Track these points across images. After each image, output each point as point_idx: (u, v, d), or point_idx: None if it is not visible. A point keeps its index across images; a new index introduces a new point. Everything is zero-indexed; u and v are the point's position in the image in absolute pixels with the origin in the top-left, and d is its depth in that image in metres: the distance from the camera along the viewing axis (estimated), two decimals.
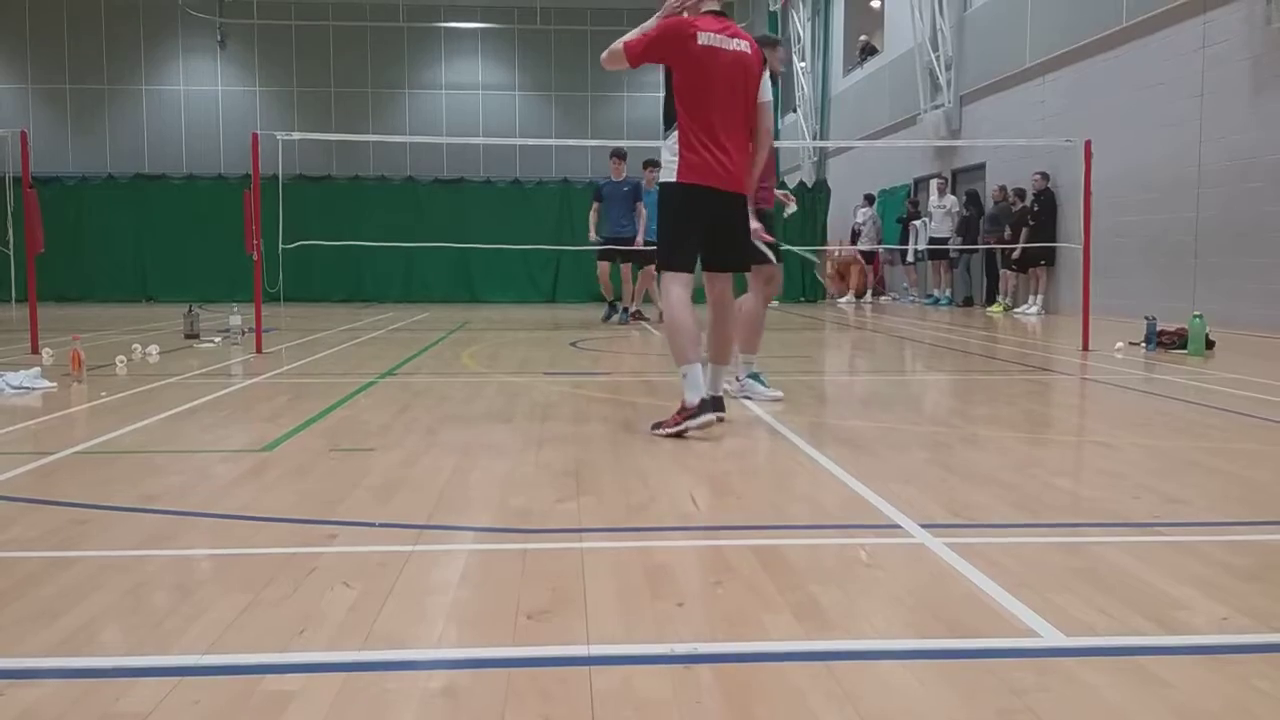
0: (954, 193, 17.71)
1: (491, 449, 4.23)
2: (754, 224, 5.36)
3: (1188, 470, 3.83)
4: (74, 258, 18.28)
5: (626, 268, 12.81)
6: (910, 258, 18.42)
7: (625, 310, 12.84)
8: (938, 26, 17.92)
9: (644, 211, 12.24)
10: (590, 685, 1.84)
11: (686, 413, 4.43)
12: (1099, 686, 1.85)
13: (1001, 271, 15.55)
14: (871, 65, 22.50)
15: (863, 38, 23.62)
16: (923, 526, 2.93)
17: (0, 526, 2.98)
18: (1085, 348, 8.58)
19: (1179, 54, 11.89)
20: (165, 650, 2.02)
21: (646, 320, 12.59)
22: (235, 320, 9.68)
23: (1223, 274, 11.15)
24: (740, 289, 5.09)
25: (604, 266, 12.79)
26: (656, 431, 4.48)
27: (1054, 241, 13.77)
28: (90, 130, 28.88)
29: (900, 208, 19.42)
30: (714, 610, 2.27)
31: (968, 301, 17.33)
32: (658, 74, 4.71)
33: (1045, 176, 14.22)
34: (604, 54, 4.60)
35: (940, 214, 17.25)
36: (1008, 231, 15.11)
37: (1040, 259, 14.41)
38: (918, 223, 18.04)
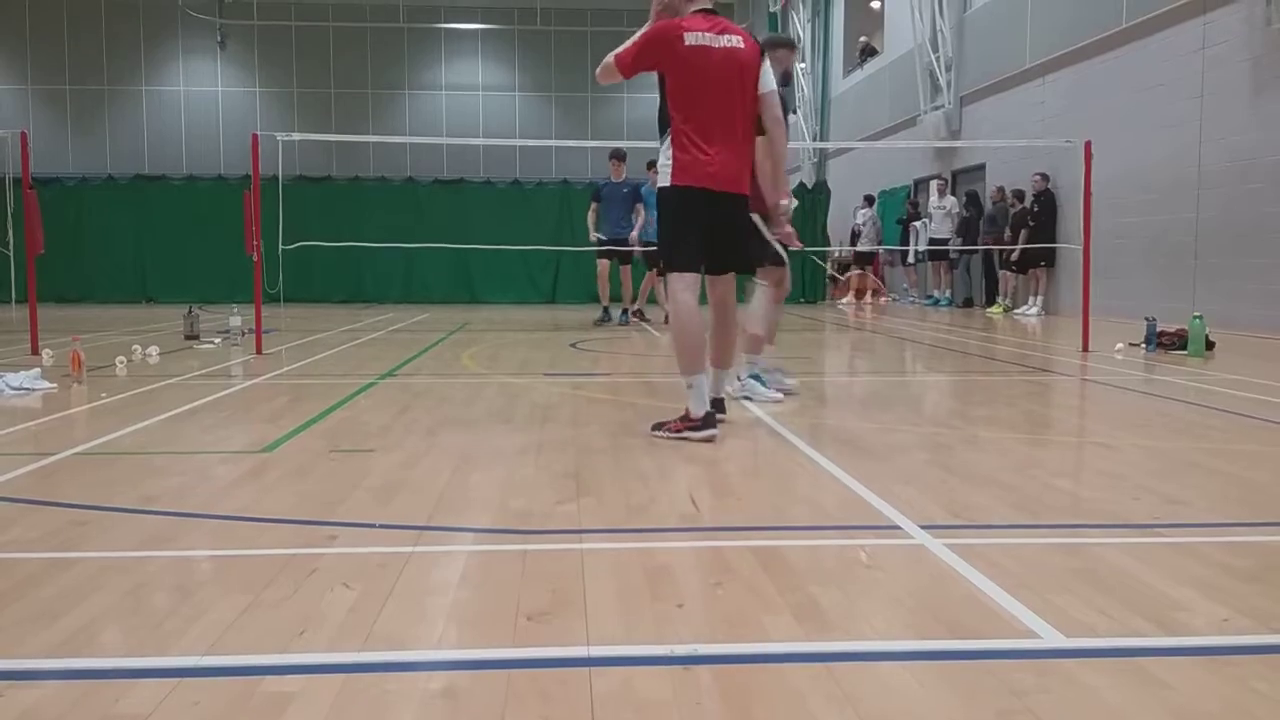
0: (954, 194, 17.71)
1: (491, 450, 4.23)
2: (764, 225, 5.38)
3: (1188, 471, 3.83)
4: (74, 259, 18.28)
5: (626, 269, 12.78)
6: (910, 259, 18.42)
7: (625, 311, 12.82)
8: (938, 27, 17.92)
9: (642, 212, 12.23)
10: (590, 686, 1.84)
11: (690, 423, 4.41)
12: (1099, 688, 1.85)
13: (1001, 272, 15.55)
14: (871, 66, 22.50)
15: (863, 39, 23.63)
16: (923, 527, 2.93)
17: (0, 527, 2.98)
18: (1085, 349, 8.58)
19: (1179, 55, 11.90)
20: (165, 651, 2.02)
21: (648, 321, 12.58)
22: (235, 321, 9.68)
23: (1223, 275, 11.15)
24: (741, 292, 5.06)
25: (604, 265, 12.75)
26: (656, 433, 4.47)
27: (1054, 242, 13.77)
28: (90, 131, 28.89)
29: (900, 209, 19.42)
30: (714, 611, 2.27)
31: (968, 302, 17.33)
32: (656, 74, 4.67)
33: (1045, 177, 14.22)
34: (598, 70, 4.58)
35: (940, 215, 17.25)
36: (1007, 233, 15.12)
37: (1040, 260, 14.41)
38: (918, 224, 18.04)
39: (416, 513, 3.15)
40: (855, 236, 19.95)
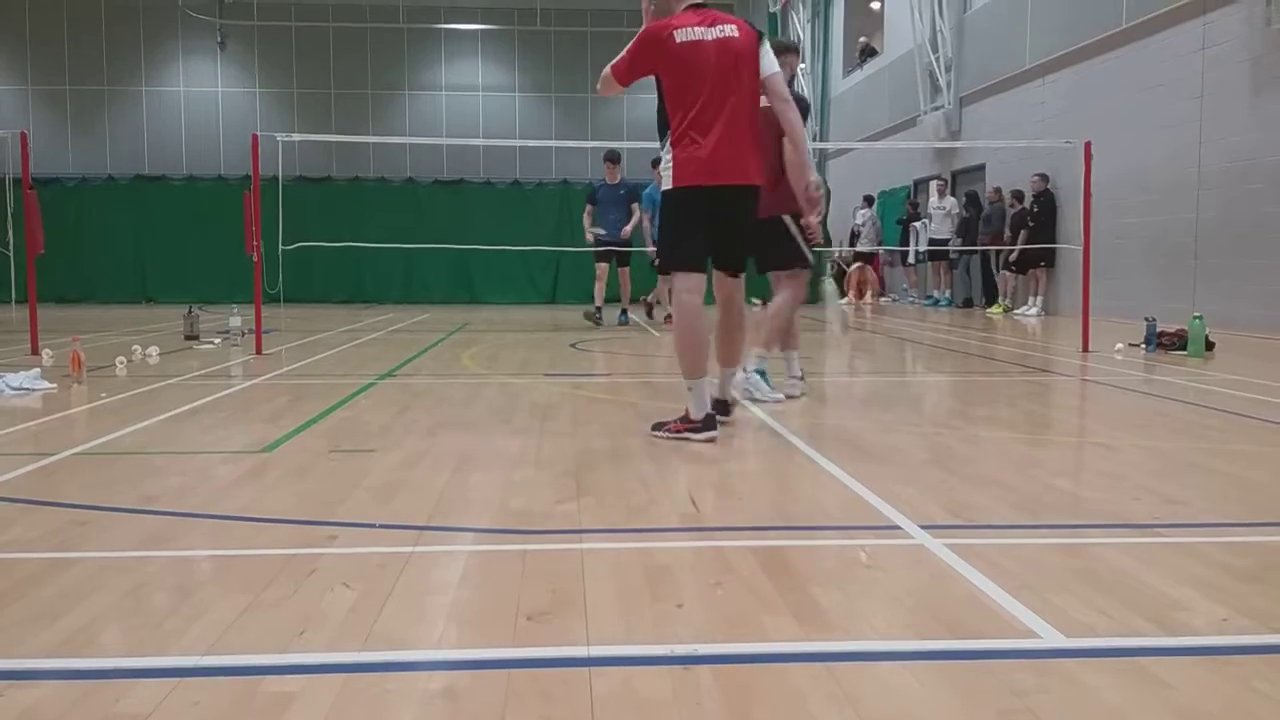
0: (954, 194, 17.72)
1: (491, 450, 4.23)
2: (794, 226, 5.38)
3: (1187, 471, 3.83)
4: (74, 259, 18.28)
5: (624, 271, 12.71)
6: (910, 259, 18.42)
7: (624, 312, 12.80)
8: (937, 28, 17.92)
9: (637, 212, 12.21)
10: (590, 686, 1.84)
11: (690, 424, 4.40)
12: (1099, 688, 1.85)
13: (1001, 273, 15.56)
14: (871, 67, 22.51)
15: (862, 39, 23.63)
16: (923, 527, 2.93)
17: (0, 527, 2.98)
18: (1085, 349, 8.58)
19: (1179, 55, 11.90)
20: (165, 651, 2.02)
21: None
22: (235, 321, 9.68)
23: (1223, 275, 11.15)
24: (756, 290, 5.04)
25: (602, 268, 12.68)
26: (656, 434, 4.47)
27: (1054, 243, 13.77)
28: (90, 131, 28.87)
29: (900, 209, 19.43)
30: (714, 611, 2.27)
31: (968, 303, 17.33)
32: (653, 76, 4.65)
33: (1045, 178, 14.22)
34: (598, 83, 4.56)
35: (940, 215, 17.25)
36: (1006, 234, 15.13)
37: (1040, 260, 14.42)
38: (917, 224, 18.05)
39: (416, 513, 3.15)
40: (855, 237, 19.95)
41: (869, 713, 1.74)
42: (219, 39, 29.24)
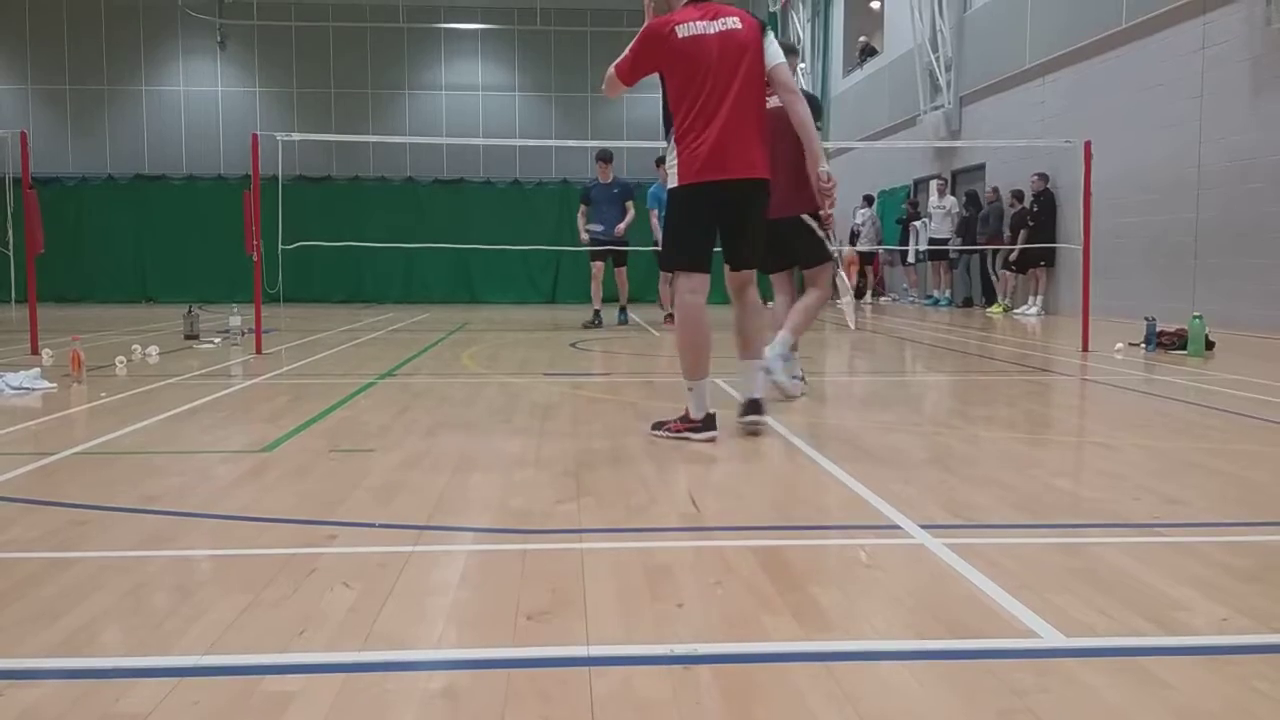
0: (954, 193, 17.72)
1: (491, 450, 4.23)
2: (815, 224, 5.38)
3: (1188, 471, 3.83)
4: (74, 258, 18.30)
5: (621, 271, 12.61)
6: (910, 259, 18.42)
7: (623, 310, 12.76)
8: (937, 27, 17.92)
9: (631, 210, 12.17)
10: (590, 686, 1.84)
11: (690, 425, 4.39)
12: (1099, 687, 1.85)
13: (1001, 272, 15.56)
14: (871, 66, 22.50)
15: (862, 39, 23.62)
16: (923, 527, 2.93)
17: (0, 527, 2.98)
18: (1085, 348, 8.58)
19: (1179, 55, 11.90)
20: (165, 651, 2.02)
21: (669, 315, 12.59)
22: (235, 321, 9.68)
23: (1222, 275, 11.15)
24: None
25: (598, 268, 12.56)
26: (656, 433, 4.47)
27: (1054, 242, 13.77)
28: (90, 131, 28.85)
29: (900, 209, 19.43)
30: (714, 611, 2.26)
31: (967, 302, 17.34)
32: (656, 75, 4.62)
33: (1044, 178, 14.22)
34: (603, 85, 4.52)
35: (940, 215, 17.25)
36: (1006, 234, 15.13)
37: (1040, 260, 14.42)
38: (917, 223, 18.05)
39: (416, 512, 3.15)
40: (854, 236, 19.95)
41: (869, 712, 1.74)
42: (219, 39, 29.23)
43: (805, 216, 5.57)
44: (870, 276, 20.21)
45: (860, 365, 8.50)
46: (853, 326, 5.78)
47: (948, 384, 7.01)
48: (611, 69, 4.46)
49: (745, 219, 4.42)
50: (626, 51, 4.43)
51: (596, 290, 12.60)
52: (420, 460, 3.98)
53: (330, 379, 6.89)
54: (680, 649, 2.01)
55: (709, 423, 4.38)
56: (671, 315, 12.04)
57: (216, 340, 9.55)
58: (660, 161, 12.20)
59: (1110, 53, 13.28)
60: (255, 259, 8.39)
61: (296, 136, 9.81)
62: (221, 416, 5.21)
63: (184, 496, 3.43)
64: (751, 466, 4.01)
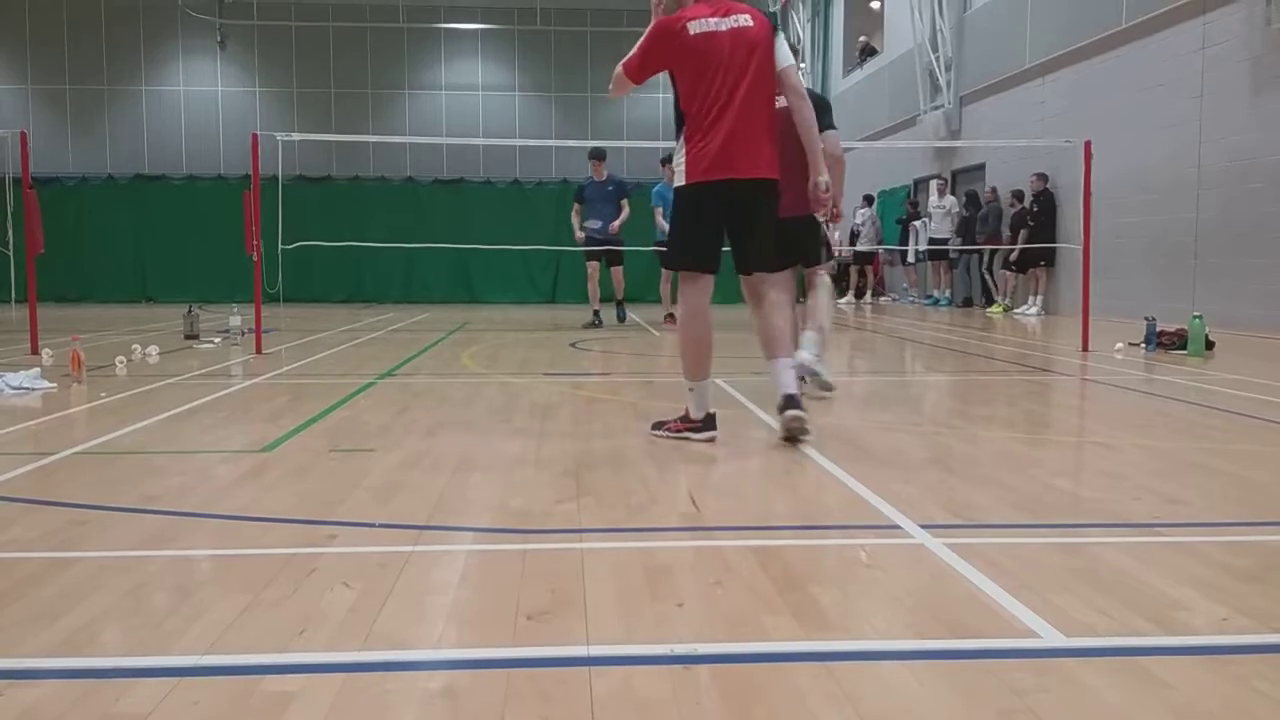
0: (954, 193, 17.72)
1: (491, 450, 4.23)
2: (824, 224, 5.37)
3: (1188, 471, 3.83)
4: (74, 258, 18.30)
5: (617, 270, 12.42)
6: (910, 258, 18.42)
7: (620, 305, 12.61)
8: (937, 27, 17.92)
9: (626, 208, 12.08)
10: (590, 686, 1.84)
11: (690, 424, 4.38)
12: (1099, 687, 1.85)
13: (1001, 272, 15.57)
14: (871, 66, 22.50)
15: (862, 38, 23.63)
16: (923, 527, 2.93)
17: (0, 527, 2.98)
18: (1085, 348, 8.58)
19: (1179, 55, 11.90)
20: (165, 651, 2.02)
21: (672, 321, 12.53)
22: (235, 321, 9.69)
23: (1223, 275, 11.15)
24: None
25: (593, 267, 12.42)
26: (656, 433, 4.47)
27: (1053, 242, 13.77)
28: (90, 131, 28.85)
29: (900, 208, 19.43)
30: (714, 611, 2.26)
31: (967, 302, 17.34)
32: (658, 74, 4.59)
33: (1043, 178, 14.22)
34: (610, 85, 4.45)
35: (940, 214, 17.26)
36: (1006, 233, 15.13)
37: (1040, 260, 14.42)
38: (917, 223, 18.05)
39: (416, 512, 3.15)
40: (855, 236, 19.96)
41: (868, 712, 1.74)
42: (219, 38, 29.23)
43: (819, 215, 5.60)
44: (870, 276, 20.21)
45: (860, 365, 8.49)
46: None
47: (948, 384, 7.01)
48: (619, 68, 4.41)
49: (753, 219, 4.35)
50: (634, 50, 4.37)
51: (594, 290, 12.50)
52: (420, 460, 3.98)
53: (330, 379, 6.89)
54: (680, 649, 2.01)
55: (709, 422, 4.38)
56: (671, 315, 12.10)
57: (216, 340, 9.55)
58: (666, 161, 12.16)
59: (1110, 53, 13.28)
60: (255, 259, 8.39)
61: (296, 136, 9.81)
62: (221, 416, 5.21)
63: (184, 496, 3.43)
64: (751, 466, 4.01)
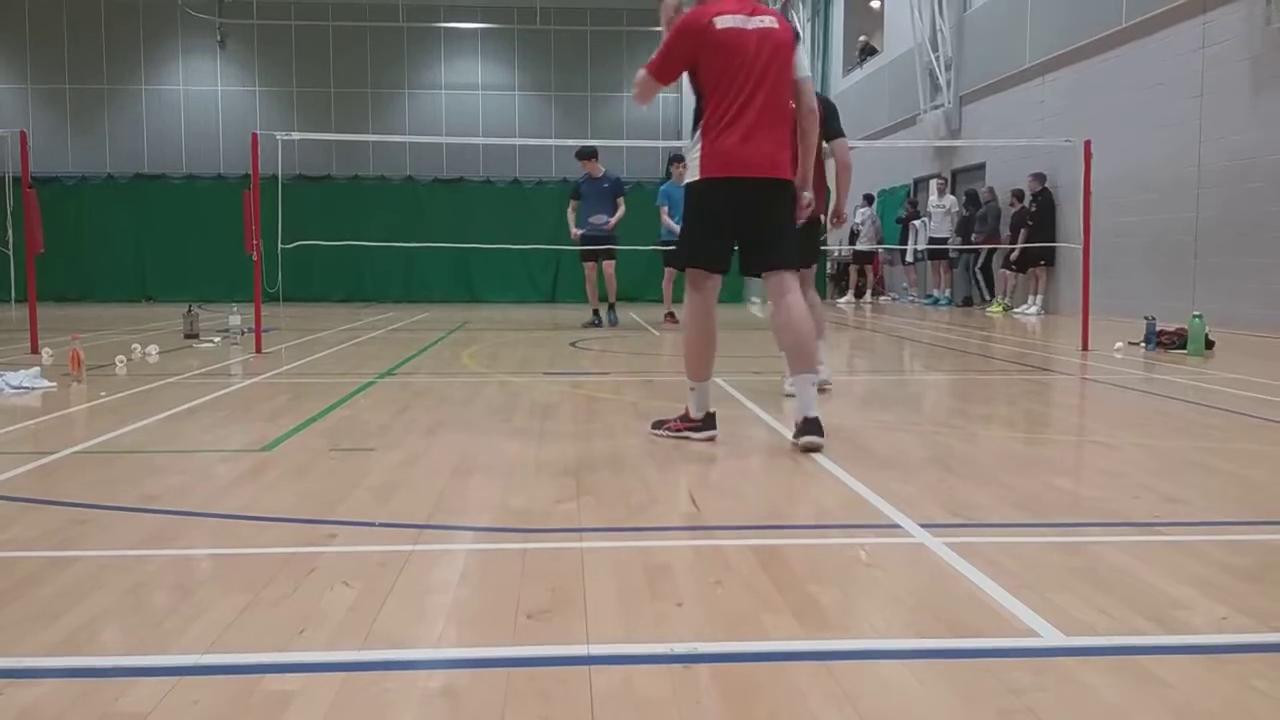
0: (953, 193, 17.72)
1: (491, 449, 4.23)
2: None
3: (1187, 470, 3.83)
4: (73, 258, 18.29)
5: (610, 265, 12.30)
6: (909, 258, 18.43)
7: (611, 308, 12.41)
8: (937, 27, 17.92)
9: (622, 206, 12.01)
10: (590, 685, 1.84)
11: (690, 424, 4.38)
12: (1098, 686, 1.85)
13: (1000, 271, 15.58)
14: (871, 65, 22.51)
15: (862, 38, 23.63)
16: (922, 526, 2.93)
17: (0, 526, 2.98)
18: (1085, 348, 8.58)
19: (1178, 54, 11.90)
20: (165, 650, 2.02)
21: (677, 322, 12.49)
22: (235, 320, 9.68)
23: (1222, 274, 11.15)
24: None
25: (590, 268, 12.35)
26: (656, 432, 4.47)
27: (1053, 241, 13.78)
28: (90, 130, 28.88)
29: (900, 208, 19.44)
30: (713, 610, 2.27)
31: (967, 301, 17.35)
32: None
33: (1040, 178, 14.22)
34: (634, 91, 4.37)
35: (940, 214, 17.26)
36: (1005, 233, 15.14)
37: (1039, 259, 14.43)
38: (917, 223, 18.06)
39: (416, 511, 3.15)
40: (854, 236, 19.96)
41: (868, 711, 1.74)
42: (219, 38, 29.25)
43: (822, 217, 5.67)
44: (870, 276, 20.22)
45: (860, 364, 8.49)
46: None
47: (947, 383, 7.01)
48: (642, 72, 4.31)
49: (766, 219, 4.28)
50: (658, 52, 4.31)
51: (592, 290, 12.42)
52: (420, 459, 3.98)
53: (330, 378, 6.89)
54: (680, 648, 2.01)
55: (709, 422, 4.38)
56: (672, 314, 12.08)
57: (216, 339, 9.55)
58: (676, 159, 12.11)
59: (1110, 52, 13.28)
60: (255, 258, 8.38)
61: (296, 136, 9.80)
62: (221, 415, 5.21)
63: (184, 496, 3.43)
64: (751, 466, 4.01)
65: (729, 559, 2.64)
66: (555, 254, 17.73)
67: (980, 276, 16.53)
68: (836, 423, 5.01)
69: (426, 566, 2.60)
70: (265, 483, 3.62)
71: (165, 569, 2.58)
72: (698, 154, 4.26)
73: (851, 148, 6.29)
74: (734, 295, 17.40)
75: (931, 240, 17.32)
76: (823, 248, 19.51)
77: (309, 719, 1.72)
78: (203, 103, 29.40)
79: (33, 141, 9.74)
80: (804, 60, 4.42)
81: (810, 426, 4.10)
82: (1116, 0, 13.00)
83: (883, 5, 22.00)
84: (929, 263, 18.06)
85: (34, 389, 5.96)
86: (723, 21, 4.19)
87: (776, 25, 4.28)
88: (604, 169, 12.13)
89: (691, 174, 4.32)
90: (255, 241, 8.30)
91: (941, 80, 17.93)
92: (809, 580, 2.46)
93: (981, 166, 17.07)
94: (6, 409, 5.35)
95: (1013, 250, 14.83)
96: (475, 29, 30.22)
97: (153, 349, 8.03)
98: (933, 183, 17.98)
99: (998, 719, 1.72)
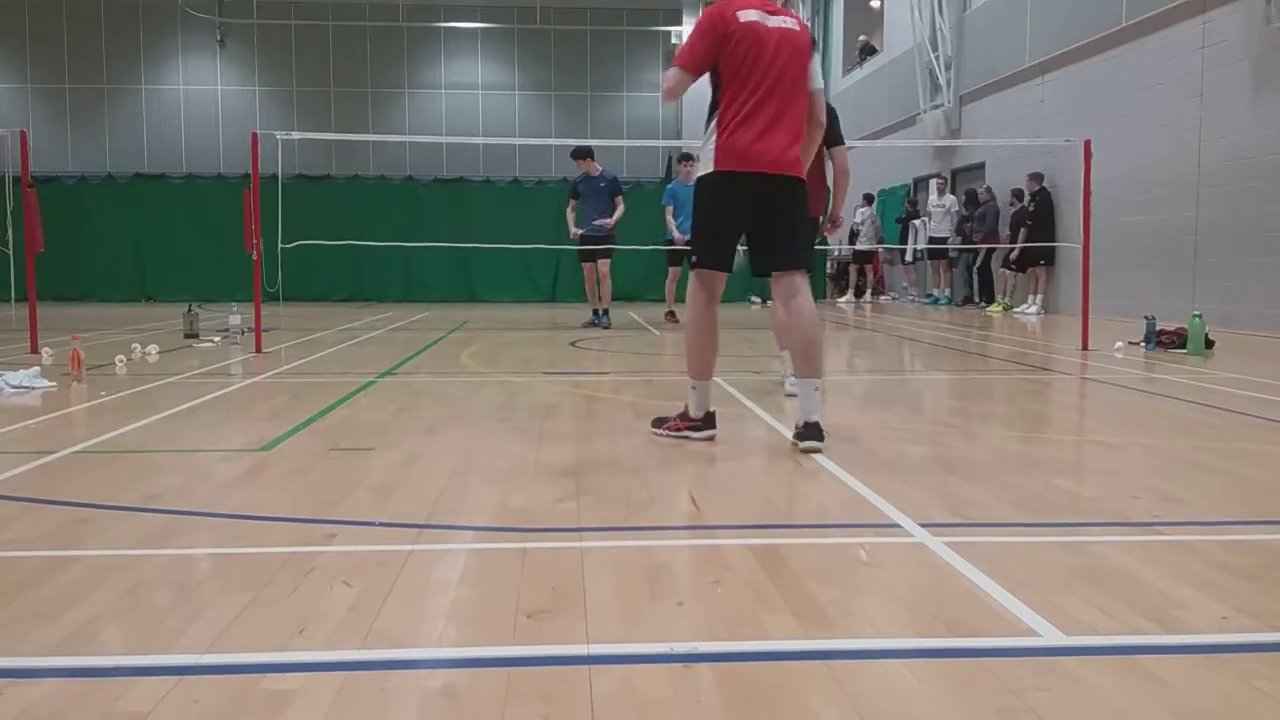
0: (953, 192, 17.73)
1: (491, 448, 4.23)
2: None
3: (1187, 470, 3.83)
4: (73, 257, 18.27)
5: (604, 265, 12.15)
6: (909, 257, 18.43)
7: (605, 313, 12.13)
8: (937, 26, 17.92)
9: (621, 205, 11.96)
10: (590, 685, 1.84)
11: (690, 422, 4.37)
12: (1099, 686, 1.85)
13: (1000, 271, 15.59)
14: (871, 65, 22.51)
15: (862, 37, 23.63)
16: (922, 526, 2.93)
17: (0, 526, 2.98)
18: (1085, 347, 8.58)
19: (1178, 54, 11.90)
20: (165, 649, 2.02)
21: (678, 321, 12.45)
22: (235, 320, 9.68)
23: (1222, 274, 11.15)
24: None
25: (589, 268, 12.28)
26: (656, 431, 4.47)
27: (1052, 241, 13.78)
28: (90, 130, 28.88)
29: (900, 207, 19.44)
30: (713, 609, 2.27)
31: (968, 300, 17.35)
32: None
33: (1038, 178, 14.21)
34: (665, 87, 4.27)
35: (939, 213, 17.26)
36: (1005, 232, 15.14)
37: (1039, 259, 14.43)
38: (917, 222, 18.06)
39: (416, 511, 3.15)
40: (854, 235, 19.96)
41: (868, 710, 1.74)
42: (218, 37, 29.25)
43: (820, 218, 5.70)
44: (870, 275, 20.22)
45: (860, 364, 8.49)
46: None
47: (947, 383, 7.01)
48: (675, 70, 4.24)
49: (778, 217, 4.26)
50: (684, 47, 4.27)
51: (591, 290, 12.35)
52: (420, 459, 3.98)
53: (330, 378, 6.89)
54: (680, 647, 2.01)
55: (708, 421, 4.38)
56: (673, 313, 12.06)
57: (216, 339, 9.55)
58: (685, 158, 12.06)
59: (1110, 52, 13.28)
60: (255, 258, 8.38)
61: (296, 135, 9.80)
62: (221, 415, 5.21)
63: (184, 495, 3.43)
64: (751, 465, 4.01)
65: (729, 558, 2.64)
66: (555, 254, 17.72)
67: (977, 277, 16.52)
68: (836, 422, 5.01)
69: (426, 566, 2.60)
70: (265, 482, 3.62)
71: (165, 568, 2.58)
72: (712, 147, 4.22)
73: (851, 147, 6.30)
74: (736, 294, 17.42)
75: (931, 240, 17.32)
76: (823, 247, 19.49)
77: (309, 718, 1.72)
78: (203, 102, 29.41)
79: (33, 141, 9.73)
80: (819, 71, 4.42)
81: (811, 431, 4.10)
82: (1116, 0, 13.00)
83: (882, 5, 22.00)
84: (929, 262, 18.06)
85: (34, 388, 5.96)
86: (744, 15, 4.19)
87: (796, 27, 4.30)
88: (601, 168, 12.07)
89: (704, 165, 4.28)
90: (255, 241, 8.29)
91: (941, 80, 17.93)
92: (809, 580, 2.46)
93: (981, 166, 17.08)
94: (6, 408, 5.35)
95: (1012, 250, 14.84)
96: (475, 28, 30.22)
97: (153, 348, 8.03)
98: (932, 182, 17.98)
99: (998, 718, 1.72)
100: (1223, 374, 6.80)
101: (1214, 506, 3.28)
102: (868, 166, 21.60)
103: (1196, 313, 8.43)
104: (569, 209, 12.19)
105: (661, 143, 24.47)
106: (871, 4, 23.72)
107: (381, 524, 2.99)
